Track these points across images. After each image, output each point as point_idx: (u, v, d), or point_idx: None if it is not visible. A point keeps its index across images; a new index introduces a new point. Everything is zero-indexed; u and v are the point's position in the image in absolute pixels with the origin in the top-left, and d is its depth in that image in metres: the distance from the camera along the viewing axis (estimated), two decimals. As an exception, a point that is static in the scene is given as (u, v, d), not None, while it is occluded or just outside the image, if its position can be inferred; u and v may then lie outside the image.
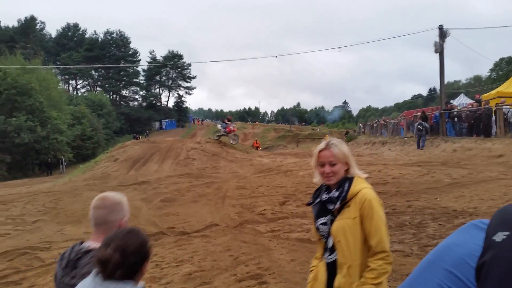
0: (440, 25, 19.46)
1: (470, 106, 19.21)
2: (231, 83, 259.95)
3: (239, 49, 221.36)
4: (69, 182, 15.41)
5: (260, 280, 4.63)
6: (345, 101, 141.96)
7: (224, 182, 12.84)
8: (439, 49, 19.37)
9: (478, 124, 16.53)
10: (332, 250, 2.11)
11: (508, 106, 15.50)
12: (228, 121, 23.61)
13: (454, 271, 1.30)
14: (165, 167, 16.68)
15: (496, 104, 16.40)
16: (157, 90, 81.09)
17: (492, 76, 63.58)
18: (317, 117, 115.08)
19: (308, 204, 2.30)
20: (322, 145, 2.21)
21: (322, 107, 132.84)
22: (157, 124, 71.72)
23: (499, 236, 0.88)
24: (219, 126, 23.56)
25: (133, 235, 1.57)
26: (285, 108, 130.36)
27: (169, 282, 4.68)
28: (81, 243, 1.89)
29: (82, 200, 10.71)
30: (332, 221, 2.12)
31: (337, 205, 2.09)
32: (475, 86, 64.78)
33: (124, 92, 76.28)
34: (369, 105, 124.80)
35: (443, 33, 19.35)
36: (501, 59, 62.13)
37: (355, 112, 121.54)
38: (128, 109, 69.12)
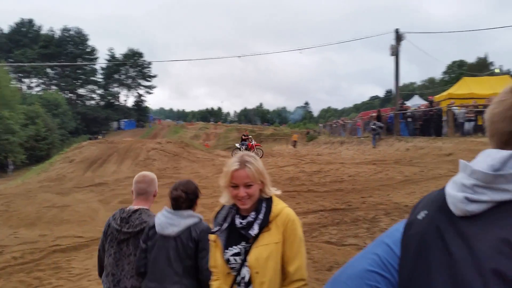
0: (396, 29, 20.30)
1: (423, 107, 20.19)
2: (194, 83, 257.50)
3: (202, 48, 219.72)
4: (22, 184, 14.72)
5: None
6: (307, 101, 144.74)
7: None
8: (395, 52, 20.19)
9: (430, 124, 17.42)
10: (248, 284, 1.79)
11: (457, 108, 16.44)
12: (245, 137, 23.09)
13: (393, 246, 1.47)
14: (123, 168, 16.32)
15: (447, 105, 17.36)
16: (116, 89, 78.79)
17: (445, 79, 66.91)
18: (279, 117, 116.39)
19: (213, 233, 1.88)
20: (235, 163, 1.84)
21: (284, 108, 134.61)
22: (115, 124, 69.56)
23: (421, 215, 0.97)
24: (237, 146, 22.58)
25: (190, 183, 2.50)
26: (247, 108, 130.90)
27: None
28: (126, 208, 2.67)
29: (36, 203, 10.27)
30: (247, 250, 1.80)
31: (256, 230, 1.78)
32: (429, 88, 67.94)
33: (81, 91, 73.33)
34: (329, 106, 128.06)
35: (399, 37, 20.19)
36: (454, 62, 65.51)
37: (316, 113, 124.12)
38: (84, 109, 66.62)
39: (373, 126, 19.32)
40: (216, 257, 1.89)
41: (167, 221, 2.36)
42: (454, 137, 15.26)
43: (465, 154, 12.16)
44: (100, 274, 2.69)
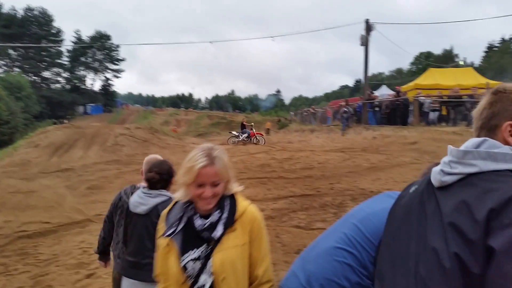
0: (366, 19, 20.61)
1: (390, 97, 20.76)
2: (164, 68, 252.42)
3: (173, 32, 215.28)
4: (-18, 170, 14.13)
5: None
6: (278, 89, 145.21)
7: (155, 168, 12.64)
8: (365, 42, 20.54)
9: (396, 114, 17.96)
10: None
11: (423, 97, 17.00)
12: (247, 124, 22.27)
13: (359, 225, 1.62)
14: (91, 153, 15.96)
15: (414, 95, 17.93)
16: (82, 72, 76.14)
17: (412, 69, 68.78)
18: (251, 104, 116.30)
19: (168, 235, 1.61)
20: (202, 158, 1.60)
21: (256, 95, 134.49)
22: (81, 108, 67.30)
23: (412, 189, 1.18)
24: (235, 133, 21.87)
25: (164, 163, 2.68)
26: (219, 95, 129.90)
27: (97, 268, 4.60)
28: (136, 185, 2.90)
29: (0, 188, 9.93)
30: (208, 254, 1.58)
31: (220, 232, 1.59)
32: (397, 78, 69.69)
33: (46, 74, 70.22)
34: (301, 94, 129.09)
35: (368, 27, 20.52)
36: (421, 53, 67.35)
37: (287, 101, 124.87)
38: (49, 92, 63.93)
39: (344, 115, 19.80)
40: (170, 264, 1.60)
41: (138, 200, 2.55)
42: (419, 126, 15.82)
43: (429, 143, 12.66)
44: (101, 241, 2.95)
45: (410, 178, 9.17)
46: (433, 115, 16.11)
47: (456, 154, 1.03)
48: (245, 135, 21.58)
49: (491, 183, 0.91)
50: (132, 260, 2.50)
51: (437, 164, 1.11)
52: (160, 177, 2.57)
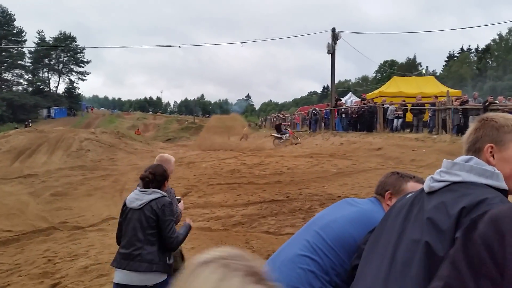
0: (332, 28, 21.13)
1: (356, 104, 21.34)
2: (131, 70, 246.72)
3: (141, 34, 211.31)
4: None
5: (160, 268, 4.71)
6: (248, 94, 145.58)
7: (122, 174, 12.40)
8: (331, 50, 21.04)
9: (362, 120, 18.48)
10: None
11: (388, 105, 17.59)
12: (280, 127, 22.54)
13: (321, 232, 1.71)
14: (54, 159, 15.45)
15: (380, 102, 18.52)
16: (46, 74, 73.47)
17: (377, 77, 70.82)
18: (221, 109, 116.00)
19: None
20: None
21: (226, 100, 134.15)
22: (44, 111, 64.64)
23: (409, 195, 1.36)
24: (277, 135, 21.76)
25: (160, 167, 2.96)
26: (189, 99, 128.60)
27: (63, 277, 4.51)
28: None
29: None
30: None
31: None
32: (363, 85, 71.55)
33: (6, 76, 67.26)
34: (270, 100, 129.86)
35: (335, 36, 21.05)
36: (385, 62, 69.47)
37: (257, 106, 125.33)
38: (10, 95, 61.07)
39: (313, 117, 21.78)
40: None
41: (134, 196, 2.83)
42: (384, 133, 16.36)
43: (393, 149, 13.13)
44: (118, 241, 3.00)
45: (375, 184, 9.43)
46: (396, 122, 16.69)
47: (446, 165, 1.23)
48: (287, 134, 21.60)
49: (468, 190, 1.11)
50: (125, 252, 2.68)
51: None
52: (154, 177, 2.85)
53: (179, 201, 3.43)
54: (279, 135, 21.59)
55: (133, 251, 2.65)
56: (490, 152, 1.20)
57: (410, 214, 1.21)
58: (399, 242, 1.16)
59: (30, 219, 7.34)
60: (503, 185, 1.14)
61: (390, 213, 1.35)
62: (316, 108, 23.85)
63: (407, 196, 1.34)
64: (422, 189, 1.28)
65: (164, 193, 2.85)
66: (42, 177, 11.94)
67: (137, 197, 2.81)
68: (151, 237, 2.69)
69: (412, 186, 1.66)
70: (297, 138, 21.32)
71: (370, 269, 1.24)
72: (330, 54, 21.00)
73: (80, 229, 6.72)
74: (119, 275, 2.69)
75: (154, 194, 2.80)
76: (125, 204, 2.93)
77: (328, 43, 20.85)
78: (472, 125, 1.30)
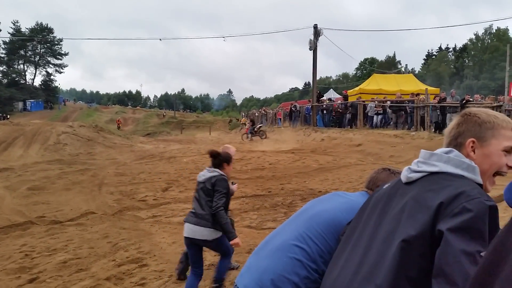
0: (314, 24, 21.23)
1: (338, 101, 21.56)
2: (110, 63, 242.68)
3: (121, 26, 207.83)
4: None
5: (141, 263, 4.67)
6: (230, 89, 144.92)
7: (100, 169, 12.19)
8: (313, 47, 21.16)
9: (343, 117, 18.69)
10: None
11: (369, 101, 17.83)
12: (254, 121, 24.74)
13: (311, 220, 1.76)
14: (31, 152, 15.07)
15: (356, 99, 18.76)
16: (21, 66, 71.27)
17: (358, 74, 71.65)
18: (202, 104, 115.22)
19: None
20: None
21: (207, 95, 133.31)
22: (20, 104, 62.72)
23: (386, 186, 1.36)
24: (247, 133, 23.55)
25: (226, 153, 3.79)
26: (169, 93, 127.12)
27: (41, 271, 4.40)
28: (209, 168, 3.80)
29: None
30: None
31: None
32: (343, 82, 72.32)
33: (-20, 67, 65.09)
34: (252, 95, 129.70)
35: (317, 32, 21.17)
36: (365, 59, 70.33)
37: (238, 101, 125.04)
38: (-17, 86, 59.32)
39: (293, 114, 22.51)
40: None
41: (202, 173, 3.67)
42: (364, 129, 16.60)
43: (373, 145, 13.34)
44: None
45: (355, 179, 9.62)
46: (376, 119, 16.94)
47: (424, 155, 1.24)
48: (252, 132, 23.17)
49: (446, 181, 1.12)
50: (193, 212, 3.55)
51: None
52: (218, 155, 3.71)
53: (233, 183, 4.23)
54: (247, 133, 23.29)
55: (198, 212, 3.50)
56: (472, 147, 1.22)
57: (387, 207, 1.21)
58: (375, 234, 1.17)
59: (6, 214, 7.12)
60: (478, 179, 1.16)
61: (367, 205, 1.36)
62: (296, 105, 24.53)
63: (384, 187, 1.35)
64: (399, 180, 1.28)
65: (222, 173, 3.63)
66: (18, 171, 11.63)
67: (203, 174, 3.66)
68: (210, 203, 3.49)
69: None
70: (264, 133, 22.11)
71: (343, 259, 1.25)
72: (312, 51, 21.11)
73: (58, 224, 6.57)
74: (187, 229, 3.49)
75: (214, 172, 3.61)
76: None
77: (310, 40, 20.95)
78: (455, 119, 1.31)
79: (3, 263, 4.79)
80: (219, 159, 3.70)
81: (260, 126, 24.43)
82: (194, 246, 3.53)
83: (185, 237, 3.55)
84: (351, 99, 20.20)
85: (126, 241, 5.54)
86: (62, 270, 4.47)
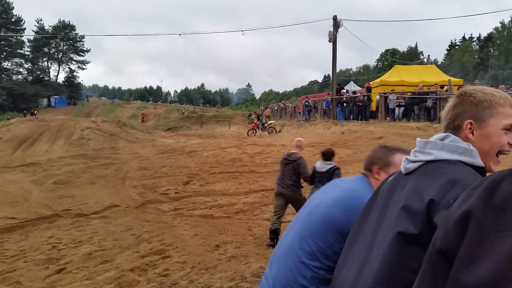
0: (334, 16, 20.95)
1: (359, 93, 21.26)
2: (131, 59, 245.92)
3: (141, 22, 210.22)
4: None
5: (164, 254, 4.76)
6: (249, 83, 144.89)
7: (124, 163, 12.44)
8: (333, 39, 20.88)
9: (364, 109, 18.44)
10: None
11: (389, 94, 17.53)
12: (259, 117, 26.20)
13: (307, 217, 1.79)
14: (56, 147, 15.50)
15: (379, 92, 18.45)
16: (45, 63, 73.08)
17: (379, 66, 70.35)
18: (221, 98, 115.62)
19: None
20: None
21: (227, 89, 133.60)
22: (45, 100, 64.29)
23: (390, 178, 1.31)
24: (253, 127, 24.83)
25: (330, 149, 5.36)
26: (189, 88, 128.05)
27: (68, 263, 4.55)
28: (290, 151, 5.84)
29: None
30: None
31: None
32: (364, 74, 71.18)
33: (6, 64, 66.88)
34: (271, 89, 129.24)
35: (336, 23, 20.87)
36: (387, 50, 68.88)
37: (257, 95, 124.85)
38: (10, 84, 60.84)
39: (305, 108, 22.74)
40: None
41: (320, 165, 5.12)
42: (385, 122, 16.33)
43: (394, 138, 13.11)
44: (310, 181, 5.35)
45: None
46: (398, 111, 16.64)
47: (419, 144, 1.20)
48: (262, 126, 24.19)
49: (441, 169, 1.09)
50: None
51: None
52: (327, 153, 5.19)
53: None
54: (252, 128, 24.28)
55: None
56: (470, 128, 1.17)
57: (389, 200, 1.18)
58: (378, 229, 1.14)
59: (33, 207, 7.38)
60: (478, 161, 1.11)
61: (373, 199, 1.32)
62: (309, 100, 24.62)
63: (389, 179, 1.30)
64: (401, 171, 1.24)
65: (334, 163, 5.08)
66: (44, 166, 11.98)
67: (321, 166, 5.08)
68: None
69: (399, 158, 1.60)
70: (273, 128, 22.35)
71: (350, 256, 1.23)
72: (332, 43, 20.85)
73: (84, 217, 6.76)
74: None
75: (329, 165, 5.05)
76: (314, 168, 5.21)
77: (330, 31, 20.69)
78: (451, 100, 1.25)
79: (32, 254, 4.97)
80: (327, 155, 5.15)
81: (271, 123, 25.19)
82: None
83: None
84: (375, 91, 19.88)
85: (149, 233, 5.65)
86: (88, 261, 4.61)
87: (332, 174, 4.88)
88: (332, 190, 1.70)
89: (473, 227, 0.73)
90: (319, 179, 4.97)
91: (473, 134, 1.16)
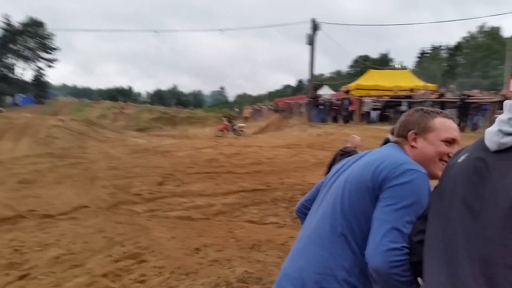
0: (313, 18, 21.03)
1: (334, 96, 21.42)
2: (102, 59, 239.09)
3: (113, 21, 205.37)
4: None
5: (139, 258, 4.42)
6: (222, 86, 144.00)
7: (93, 162, 11.87)
8: (311, 41, 20.95)
9: (339, 112, 18.54)
10: None
11: (366, 97, 17.72)
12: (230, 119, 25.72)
13: (342, 190, 1.51)
14: (21, 146, 14.68)
15: (357, 95, 18.64)
16: (11, 60, 70.02)
17: (351, 72, 71.59)
18: (195, 100, 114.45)
19: None
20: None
21: (200, 91, 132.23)
22: (10, 99, 61.74)
23: (462, 158, 0.96)
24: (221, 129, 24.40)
25: (354, 139, 6.14)
26: (162, 89, 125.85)
27: (32, 267, 4.12)
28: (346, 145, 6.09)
29: None
30: None
31: None
32: (336, 79, 72.23)
33: (-34, 60, 63.77)
34: (245, 92, 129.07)
35: (315, 26, 20.95)
36: (359, 56, 70.25)
37: (231, 98, 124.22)
38: (-29, 80, 58.10)
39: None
40: None
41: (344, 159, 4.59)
42: (361, 124, 16.44)
43: (371, 141, 13.13)
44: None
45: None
46: (373, 114, 16.81)
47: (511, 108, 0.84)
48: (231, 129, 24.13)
49: None
50: None
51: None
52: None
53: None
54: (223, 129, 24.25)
55: None
56: None
57: (474, 191, 0.82)
58: (470, 237, 0.81)
59: (-6, 207, 6.81)
60: None
61: (441, 190, 1.00)
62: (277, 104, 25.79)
63: (460, 160, 0.96)
64: (479, 147, 0.89)
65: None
66: (7, 164, 11.25)
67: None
68: None
69: (440, 123, 1.40)
70: (241, 132, 23.39)
71: (438, 268, 0.91)
72: (310, 45, 20.92)
73: (50, 218, 6.27)
74: None
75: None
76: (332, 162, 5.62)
77: (308, 34, 20.77)
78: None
79: (-7, 258, 4.51)
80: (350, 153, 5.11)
81: (242, 126, 25.50)
82: None
83: None
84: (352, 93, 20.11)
85: (123, 235, 5.27)
86: (55, 266, 4.20)
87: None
88: (357, 162, 1.46)
89: None
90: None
91: None
